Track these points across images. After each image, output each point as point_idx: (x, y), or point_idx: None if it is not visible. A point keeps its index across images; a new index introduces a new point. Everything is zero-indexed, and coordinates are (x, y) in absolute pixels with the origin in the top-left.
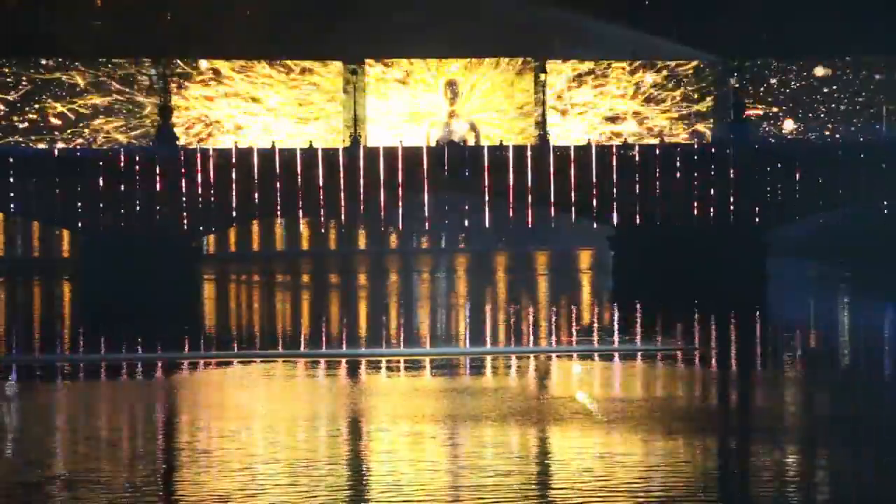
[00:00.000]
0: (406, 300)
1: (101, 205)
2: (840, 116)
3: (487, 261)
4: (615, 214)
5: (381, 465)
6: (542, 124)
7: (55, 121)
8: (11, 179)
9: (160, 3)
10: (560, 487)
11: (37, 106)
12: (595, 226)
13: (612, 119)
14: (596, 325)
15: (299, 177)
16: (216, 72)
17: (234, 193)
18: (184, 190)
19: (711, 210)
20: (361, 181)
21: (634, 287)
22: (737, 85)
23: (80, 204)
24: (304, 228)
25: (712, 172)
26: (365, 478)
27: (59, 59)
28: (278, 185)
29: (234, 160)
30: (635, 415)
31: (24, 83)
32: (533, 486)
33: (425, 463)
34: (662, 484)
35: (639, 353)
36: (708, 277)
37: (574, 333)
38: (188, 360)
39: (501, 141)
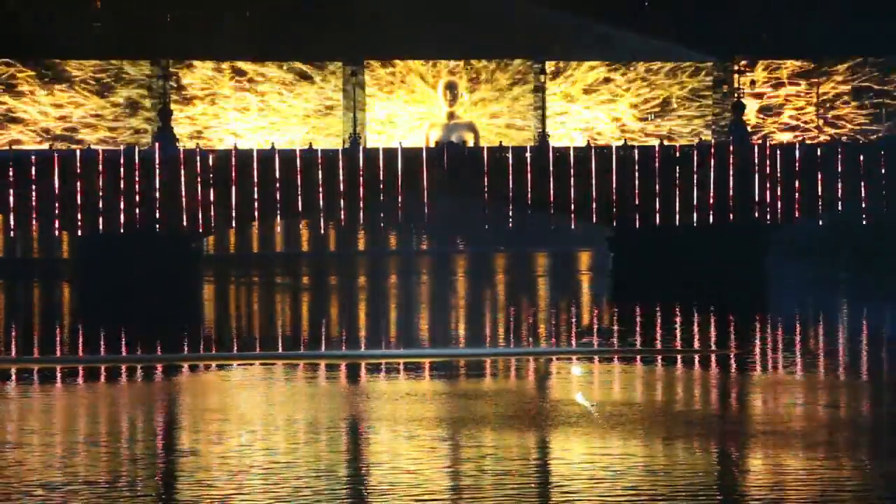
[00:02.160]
0: (405, 302)
1: (101, 205)
2: (840, 116)
3: (487, 262)
4: (615, 215)
5: (379, 466)
6: (541, 125)
7: (55, 121)
8: (10, 180)
9: (160, 4)
10: None
11: (37, 106)
12: (594, 226)
13: (613, 119)
14: (595, 326)
15: (299, 178)
16: (215, 72)
17: (233, 194)
18: (183, 191)
19: (711, 210)
20: (361, 182)
21: (634, 288)
22: (737, 85)
23: (79, 205)
24: (303, 229)
25: (712, 172)
26: (364, 479)
27: (58, 60)
28: (278, 186)
29: (233, 161)
30: (638, 419)
31: (23, 83)
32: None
33: (424, 465)
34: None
35: (638, 356)
36: (708, 278)
37: (574, 335)
38: (187, 363)
39: (501, 142)
